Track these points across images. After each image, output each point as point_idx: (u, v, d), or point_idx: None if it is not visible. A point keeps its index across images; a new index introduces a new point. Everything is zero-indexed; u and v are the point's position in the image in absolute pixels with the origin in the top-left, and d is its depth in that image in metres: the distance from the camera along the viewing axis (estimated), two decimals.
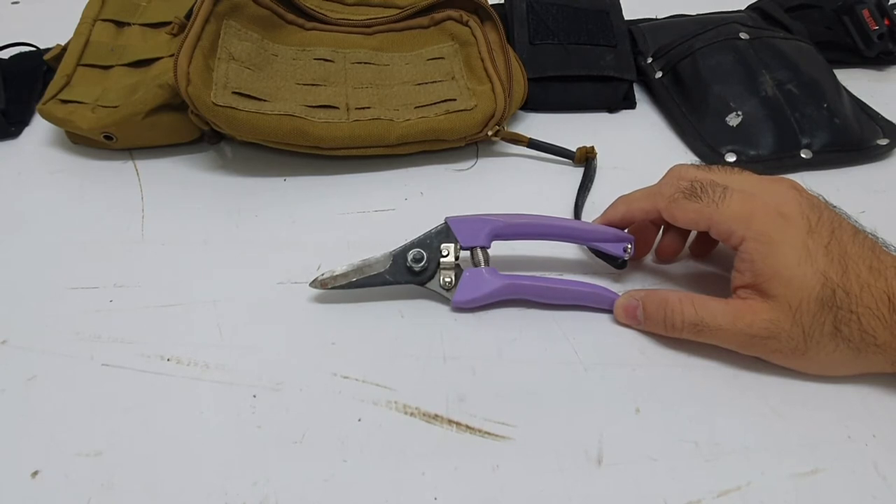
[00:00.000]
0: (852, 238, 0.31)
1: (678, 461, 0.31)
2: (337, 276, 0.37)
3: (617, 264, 0.39)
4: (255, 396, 0.33)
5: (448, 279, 0.37)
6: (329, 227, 0.43)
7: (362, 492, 0.30)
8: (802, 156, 0.47)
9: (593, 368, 0.35)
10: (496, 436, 0.32)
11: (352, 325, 0.37)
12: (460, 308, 0.37)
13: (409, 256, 0.37)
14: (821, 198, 0.34)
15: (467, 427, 0.32)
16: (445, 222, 0.37)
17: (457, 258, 0.37)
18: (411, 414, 0.33)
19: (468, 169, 0.48)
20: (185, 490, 0.30)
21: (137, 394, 0.33)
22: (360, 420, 0.32)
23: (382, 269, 0.37)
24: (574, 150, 0.48)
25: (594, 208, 0.44)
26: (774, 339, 0.31)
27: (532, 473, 0.31)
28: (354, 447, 0.31)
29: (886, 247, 0.32)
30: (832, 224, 0.32)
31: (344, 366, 0.35)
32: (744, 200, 0.32)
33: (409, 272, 0.37)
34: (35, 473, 0.30)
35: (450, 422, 0.32)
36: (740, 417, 0.33)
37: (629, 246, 0.38)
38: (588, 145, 0.47)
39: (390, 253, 0.37)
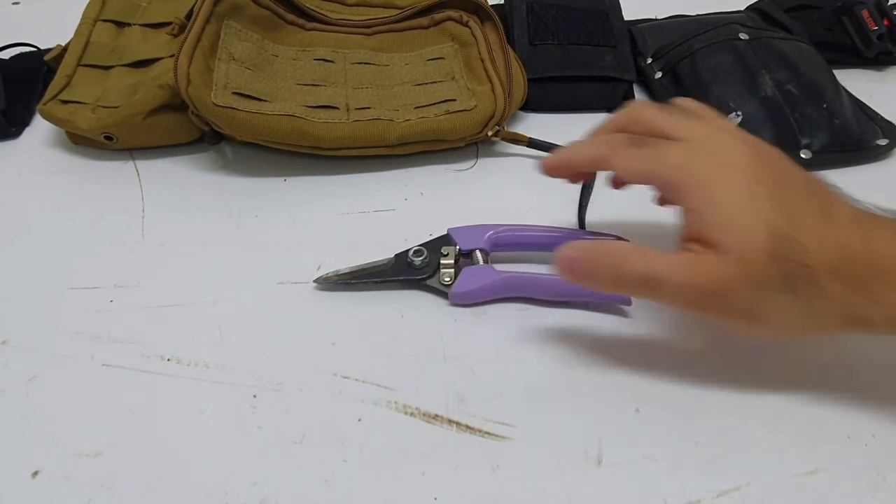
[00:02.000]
0: (804, 190, 0.30)
1: (678, 461, 0.31)
2: (341, 273, 0.38)
3: None
4: (255, 396, 0.33)
5: (447, 279, 0.37)
6: (329, 227, 0.43)
7: (362, 492, 0.30)
8: (802, 156, 0.47)
9: (593, 368, 0.35)
10: (496, 436, 0.32)
11: (352, 325, 0.37)
12: (458, 303, 0.37)
13: (411, 252, 0.38)
14: (783, 157, 0.32)
15: (467, 427, 0.32)
16: (447, 232, 0.39)
17: (457, 260, 0.38)
18: (411, 414, 0.33)
19: (468, 169, 0.48)
20: (185, 490, 0.30)
21: (137, 394, 0.33)
22: (360, 420, 0.32)
23: (385, 267, 0.38)
24: None
25: (594, 208, 0.43)
26: (726, 296, 0.29)
27: (532, 473, 0.31)
28: (354, 447, 0.31)
29: (863, 206, 0.30)
30: (782, 175, 0.30)
31: (344, 366, 0.35)
32: (687, 149, 0.30)
33: (410, 268, 0.38)
34: (35, 473, 0.30)
35: (450, 422, 0.32)
36: (740, 417, 0.33)
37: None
38: None
39: (393, 255, 0.39)
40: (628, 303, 0.38)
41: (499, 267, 0.38)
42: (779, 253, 0.28)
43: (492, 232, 0.38)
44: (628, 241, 0.38)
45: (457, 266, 0.38)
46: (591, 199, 0.45)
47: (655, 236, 0.41)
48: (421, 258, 0.38)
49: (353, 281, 0.38)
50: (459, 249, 0.38)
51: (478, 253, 0.38)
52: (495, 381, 0.34)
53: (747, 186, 0.29)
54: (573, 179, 0.38)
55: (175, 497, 0.30)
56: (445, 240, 0.39)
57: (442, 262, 0.38)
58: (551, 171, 0.36)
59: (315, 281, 0.38)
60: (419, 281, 0.38)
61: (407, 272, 0.38)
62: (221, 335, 0.36)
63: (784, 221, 0.28)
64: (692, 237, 0.30)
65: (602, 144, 0.33)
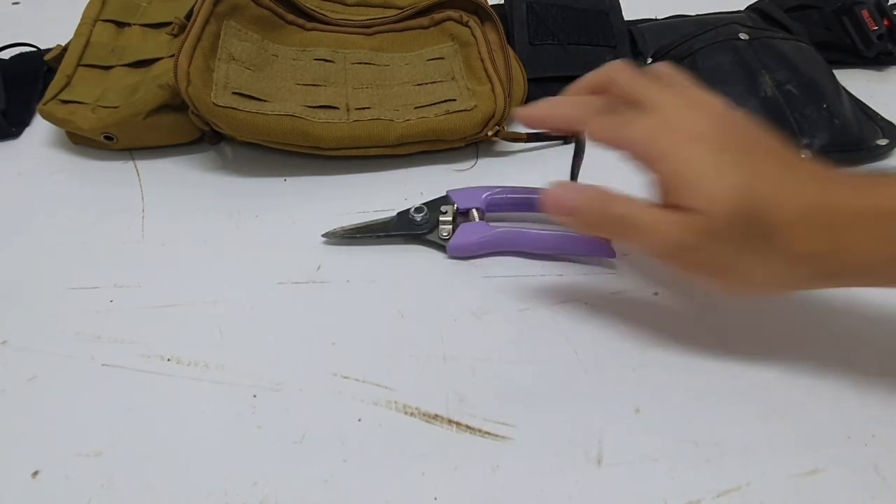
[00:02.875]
0: (767, 154, 0.31)
1: (678, 461, 0.31)
2: (347, 228, 0.41)
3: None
4: (255, 396, 0.33)
5: (445, 233, 0.40)
6: (329, 227, 0.43)
7: (362, 492, 0.30)
8: (802, 156, 0.47)
9: (593, 368, 0.35)
10: (496, 436, 0.32)
11: (352, 325, 0.37)
12: (455, 255, 0.40)
13: (412, 210, 0.41)
14: (749, 124, 0.32)
15: (467, 427, 0.32)
16: (447, 193, 0.42)
17: (454, 218, 0.41)
18: (411, 414, 0.33)
19: (468, 169, 0.48)
20: (185, 490, 0.30)
21: (137, 394, 0.33)
22: (360, 420, 0.32)
23: (388, 223, 0.41)
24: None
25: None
26: (694, 251, 0.30)
27: (532, 473, 0.31)
28: (354, 447, 0.31)
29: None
30: (746, 141, 0.31)
31: (344, 366, 0.35)
32: (654, 122, 0.31)
33: (412, 224, 0.41)
34: (35, 473, 0.30)
35: (450, 422, 0.32)
36: (740, 417, 0.33)
37: None
38: None
39: (395, 213, 0.42)
40: (612, 255, 0.39)
41: (493, 224, 0.40)
42: (741, 213, 0.29)
43: (488, 193, 0.41)
44: None
45: (454, 223, 0.41)
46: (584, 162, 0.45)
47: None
48: (421, 215, 0.41)
49: (359, 235, 0.41)
50: (457, 208, 0.41)
51: (474, 211, 0.41)
52: (495, 381, 0.34)
53: (711, 155, 0.30)
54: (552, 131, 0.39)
55: (175, 497, 0.30)
56: (444, 200, 0.42)
57: (441, 218, 0.41)
58: (524, 120, 0.35)
59: (323, 235, 0.41)
60: (419, 236, 0.41)
61: (409, 227, 0.41)
62: (221, 335, 0.36)
63: (746, 185, 0.29)
64: (665, 203, 0.31)
65: (578, 107, 0.34)
